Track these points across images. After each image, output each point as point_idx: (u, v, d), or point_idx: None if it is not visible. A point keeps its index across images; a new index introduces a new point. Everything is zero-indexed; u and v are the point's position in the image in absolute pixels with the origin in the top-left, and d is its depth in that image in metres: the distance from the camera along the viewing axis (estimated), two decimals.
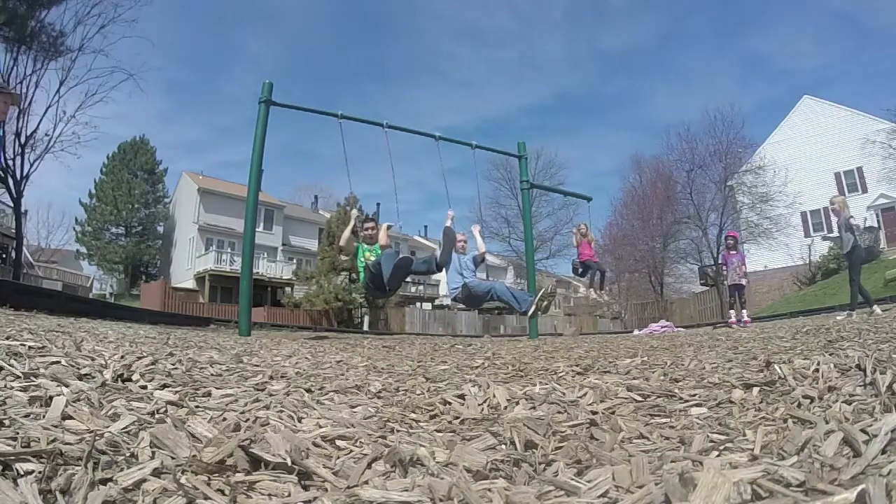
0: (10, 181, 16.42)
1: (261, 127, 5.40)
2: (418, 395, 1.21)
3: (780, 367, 1.23)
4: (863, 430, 0.67)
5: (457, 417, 0.98)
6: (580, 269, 8.16)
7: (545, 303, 4.96)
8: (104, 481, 0.53)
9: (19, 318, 3.56)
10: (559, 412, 0.98)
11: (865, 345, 1.76)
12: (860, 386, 1.00)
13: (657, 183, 25.96)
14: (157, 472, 0.55)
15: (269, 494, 0.54)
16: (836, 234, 7.46)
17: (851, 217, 7.34)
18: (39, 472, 0.52)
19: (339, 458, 0.68)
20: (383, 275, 4.84)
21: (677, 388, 1.18)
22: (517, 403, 1.07)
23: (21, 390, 0.88)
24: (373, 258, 5.28)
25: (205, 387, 1.13)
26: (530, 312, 4.95)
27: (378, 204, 47.53)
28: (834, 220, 7.69)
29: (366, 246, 5.56)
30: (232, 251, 27.61)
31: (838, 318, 6.69)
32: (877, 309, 6.76)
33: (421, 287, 34.75)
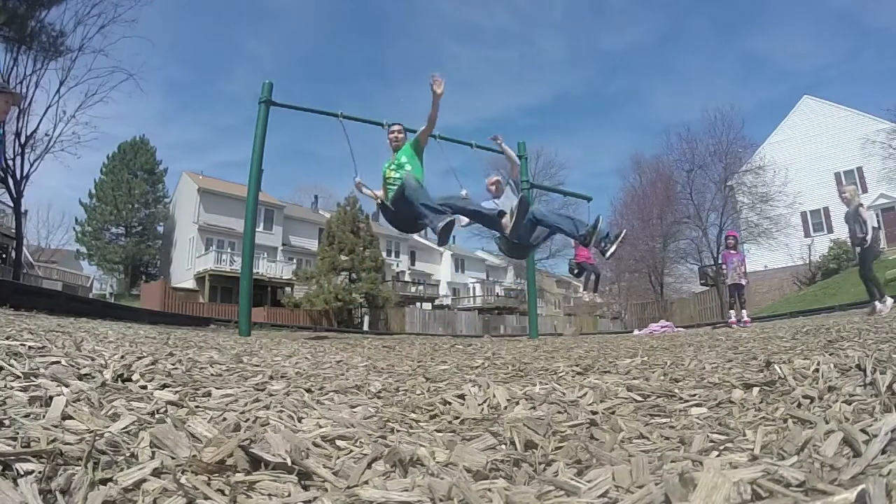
0: (10, 181, 16.43)
1: (261, 127, 5.39)
2: (418, 395, 1.21)
3: (780, 367, 1.23)
4: (863, 430, 0.67)
5: (457, 417, 0.98)
6: (576, 270, 8.19)
7: (597, 230, 3.86)
8: (104, 481, 0.53)
9: (19, 318, 3.56)
10: (559, 412, 0.98)
11: (865, 345, 1.76)
12: (860, 386, 1.00)
13: (657, 183, 25.97)
14: (157, 472, 0.55)
15: (269, 494, 0.54)
16: (853, 224, 7.27)
17: (861, 205, 7.26)
18: (39, 472, 0.52)
19: (339, 458, 0.68)
20: (411, 196, 3.86)
21: (677, 388, 1.18)
22: (517, 403, 1.07)
23: (21, 390, 0.88)
24: (395, 175, 4.25)
25: (205, 387, 1.13)
26: (591, 240, 3.88)
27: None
28: (843, 209, 7.57)
29: (384, 167, 4.51)
30: (232, 251, 27.60)
31: (879, 306, 6.65)
32: (877, 303, 6.76)
33: (421, 287, 34.73)
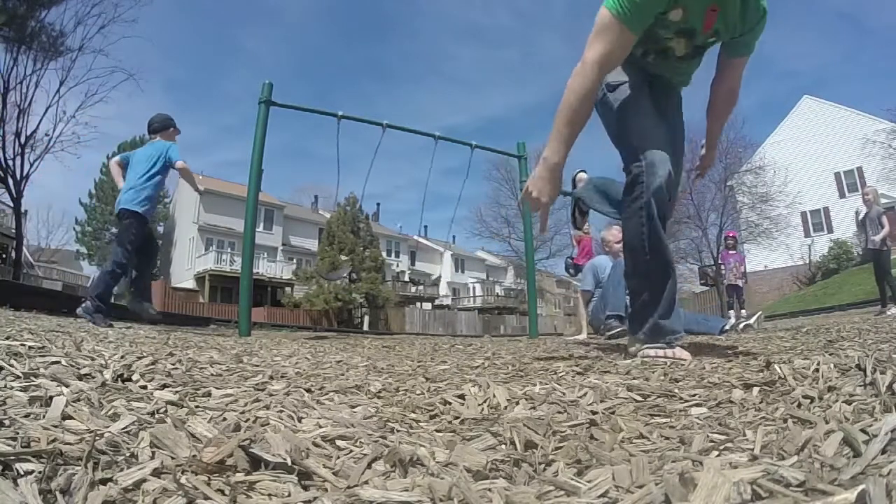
0: (10, 181, 16.44)
1: (261, 127, 5.39)
2: (418, 395, 1.21)
3: (780, 367, 1.23)
4: (863, 430, 0.66)
5: (457, 417, 0.98)
6: (572, 270, 8.17)
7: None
8: (104, 481, 0.53)
9: (19, 318, 3.56)
10: (559, 412, 0.98)
11: (865, 345, 1.76)
12: (860, 386, 0.99)
13: None
14: (157, 472, 0.55)
15: (269, 494, 0.54)
16: (867, 226, 7.36)
17: (884, 212, 7.33)
18: (39, 472, 0.52)
19: (339, 458, 0.68)
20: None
21: (677, 388, 1.18)
22: (517, 403, 1.07)
23: (21, 390, 0.88)
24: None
25: (205, 387, 1.13)
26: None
27: (378, 204, 47.52)
28: (863, 211, 7.62)
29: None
30: (232, 251, 27.62)
31: (886, 311, 6.78)
32: (886, 310, 6.80)
33: (421, 287, 34.73)
